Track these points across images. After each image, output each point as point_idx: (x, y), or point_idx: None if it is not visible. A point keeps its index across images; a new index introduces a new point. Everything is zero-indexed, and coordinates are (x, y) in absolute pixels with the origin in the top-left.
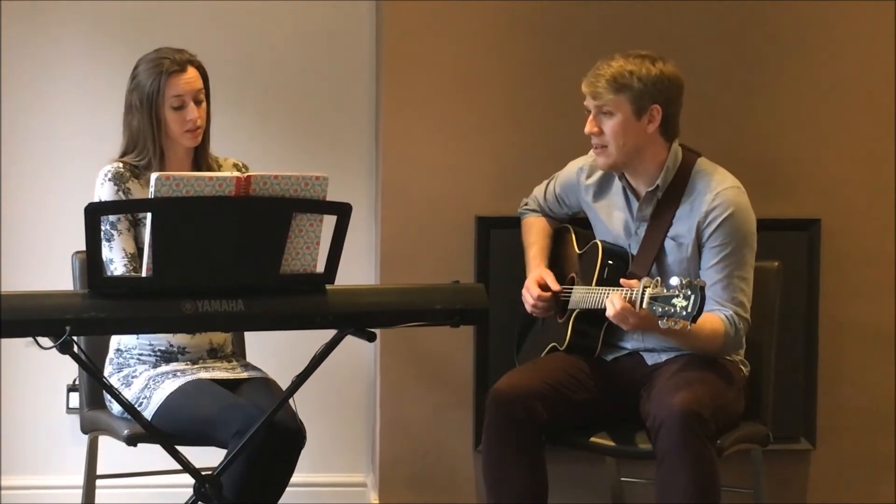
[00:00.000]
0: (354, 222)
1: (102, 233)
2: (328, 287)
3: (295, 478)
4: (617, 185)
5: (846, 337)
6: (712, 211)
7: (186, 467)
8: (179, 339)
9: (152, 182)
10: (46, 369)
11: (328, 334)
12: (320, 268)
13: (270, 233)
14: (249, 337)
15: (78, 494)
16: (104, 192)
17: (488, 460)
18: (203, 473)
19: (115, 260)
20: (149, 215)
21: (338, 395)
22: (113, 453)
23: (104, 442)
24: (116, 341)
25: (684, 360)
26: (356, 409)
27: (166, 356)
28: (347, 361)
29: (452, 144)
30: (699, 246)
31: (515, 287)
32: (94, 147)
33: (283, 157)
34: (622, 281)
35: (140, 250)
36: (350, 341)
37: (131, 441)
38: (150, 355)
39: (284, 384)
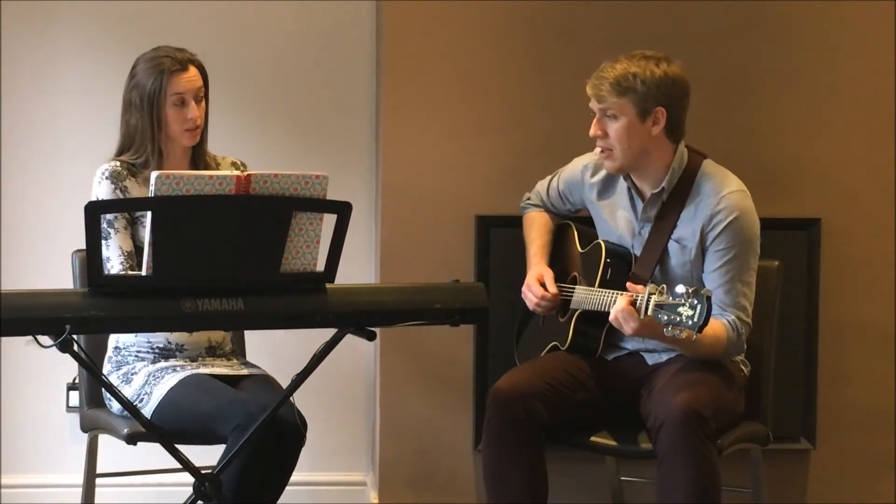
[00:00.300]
0: (354, 221)
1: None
2: (328, 286)
3: (295, 476)
4: (622, 184)
5: (846, 336)
6: (717, 214)
7: (186, 466)
8: (178, 337)
9: (152, 181)
10: (46, 368)
11: (328, 333)
12: (320, 267)
13: (270, 231)
14: (249, 336)
15: (78, 493)
16: (101, 190)
17: (488, 460)
18: (203, 472)
19: (112, 258)
20: (148, 214)
21: (338, 393)
22: (113, 452)
23: (104, 440)
24: (115, 339)
25: (685, 360)
26: (356, 408)
27: (164, 353)
28: (347, 360)
29: (452, 144)
30: (703, 249)
31: (515, 286)
32: (95, 146)
33: (284, 156)
34: (628, 285)
35: (137, 248)
36: (350, 340)
37: (131, 439)
38: (148, 352)
39: (284, 383)
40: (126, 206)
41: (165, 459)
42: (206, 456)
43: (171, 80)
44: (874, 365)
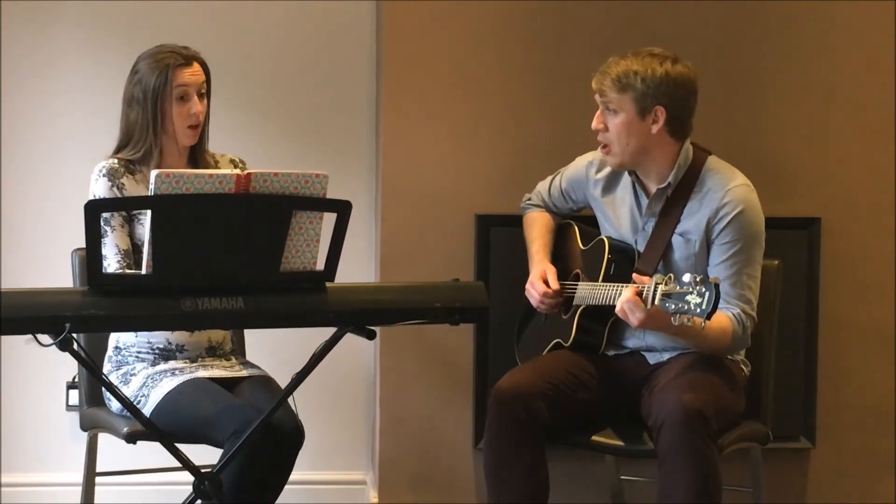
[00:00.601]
0: (354, 220)
1: None
2: (328, 285)
3: (294, 476)
4: (626, 180)
5: (846, 336)
6: (723, 208)
7: (186, 465)
8: (178, 337)
9: (152, 179)
10: (46, 367)
11: (328, 332)
12: (320, 265)
13: (270, 230)
14: (249, 335)
15: (77, 492)
16: (98, 188)
17: (489, 459)
18: (202, 471)
19: (108, 256)
20: (147, 212)
21: (337, 392)
22: (112, 451)
23: (103, 439)
24: (115, 339)
25: (686, 360)
26: (356, 407)
27: (165, 354)
28: (347, 359)
29: (452, 143)
30: (708, 242)
31: (515, 285)
32: (95, 145)
33: (284, 155)
34: (634, 276)
35: (135, 246)
36: (350, 339)
37: (131, 438)
38: (148, 353)
39: (284, 382)
40: (126, 205)
41: (165, 458)
42: (206, 455)
43: (176, 73)
44: (874, 364)
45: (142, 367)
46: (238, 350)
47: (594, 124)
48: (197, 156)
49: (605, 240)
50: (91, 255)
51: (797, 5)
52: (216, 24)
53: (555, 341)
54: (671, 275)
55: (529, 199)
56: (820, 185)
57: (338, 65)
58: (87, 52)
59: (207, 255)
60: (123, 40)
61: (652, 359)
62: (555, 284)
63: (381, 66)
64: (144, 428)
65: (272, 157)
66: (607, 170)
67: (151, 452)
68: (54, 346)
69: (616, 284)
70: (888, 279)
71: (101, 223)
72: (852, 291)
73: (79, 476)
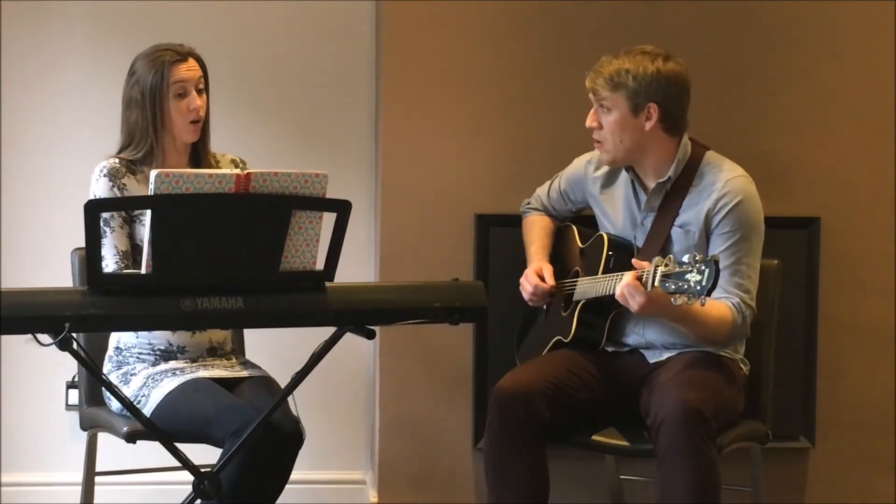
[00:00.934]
0: (354, 220)
1: None
2: (328, 284)
3: (294, 475)
4: (624, 176)
5: (845, 335)
6: (722, 198)
7: (185, 464)
8: (179, 339)
9: (152, 179)
10: (46, 366)
11: (327, 332)
12: (320, 265)
13: (270, 230)
14: (249, 334)
15: (77, 491)
16: (99, 188)
17: (490, 459)
18: (202, 471)
19: (107, 257)
20: (147, 212)
21: (337, 392)
22: (112, 450)
23: (103, 439)
24: (116, 339)
25: (686, 359)
26: (355, 407)
27: (166, 355)
28: (347, 359)
29: (452, 142)
30: (707, 233)
31: (515, 285)
32: (95, 145)
33: (284, 155)
34: (634, 262)
35: (135, 247)
36: (349, 339)
37: (130, 438)
38: (149, 354)
39: (283, 382)
40: (126, 205)
41: (165, 458)
42: (206, 455)
43: (172, 70)
44: (873, 364)
45: (142, 368)
46: (238, 350)
47: (588, 122)
48: (199, 155)
49: (604, 235)
50: (91, 254)
51: (797, 5)
52: (216, 25)
53: (555, 339)
54: (671, 256)
55: (529, 204)
56: (819, 185)
57: (337, 65)
58: (87, 51)
59: (207, 255)
60: (123, 40)
61: (651, 357)
62: (551, 280)
63: (380, 65)
64: (144, 427)
65: (272, 157)
66: (605, 168)
67: (151, 452)
68: (54, 346)
69: (616, 274)
70: (888, 279)
71: (101, 224)
72: (852, 291)
73: (78, 475)
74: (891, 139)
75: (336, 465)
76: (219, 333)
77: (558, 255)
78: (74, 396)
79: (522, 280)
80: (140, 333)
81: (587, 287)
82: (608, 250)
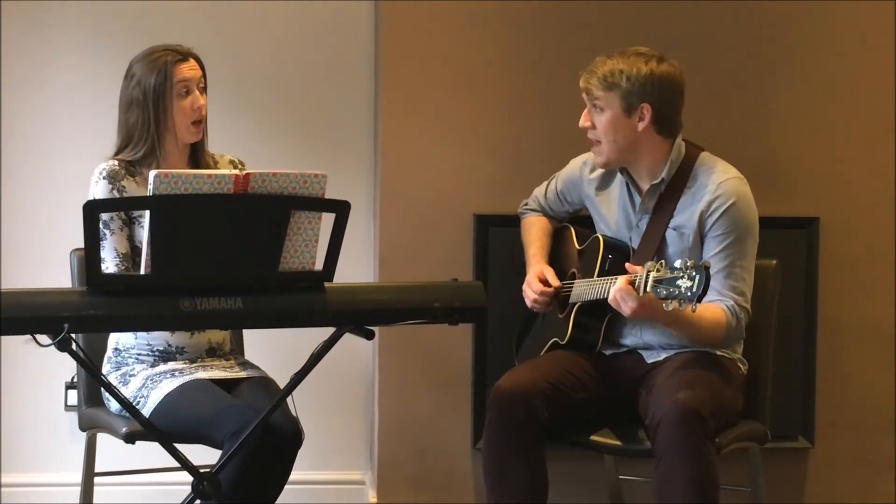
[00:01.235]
0: (353, 220)
1: None
2: (327, 285)
3: (293, 476)
4: (619, 179)
5: (845, 335)
6: (715, 200)
7: (185, 465)
8: (178, 339)
9: (151, 179)
10: (45, 367)
11: (326, 332)
12: (319, 265)
13: (269, 230)
14: (248, 335)
15: (76, 492)
16: (98, 190)
17: (489, 459)
18: (201, 471)
19: (107, 259)
20: (146, 213)
21: (336, 392)
22: (111, 451)
23: (102, 439)
24: (115, 340)
25: (683, 359)
26: (355, 407)
27: (164, 356)
28: (346, 359)
29: (451, 143)
30: (701, 235)
31: (514, 285)
32: (93, 145)
33: (283, 155)
34: (627, 266)
35: (134, 249)
36: (349, 339)
37: (129, 438)
38: (148, 355)
39: (283, 382)
40: (125, 205)
41: (164, 458)
42: (205, 455)
43: (175, 70)
44: (873, 363)
45: (141, 369)
46: (237, 350)
47: (581, 122)
48: (198, 155)
49: (600, 237)
50: (89, 255)
51: (797, 5)
52: (215, 25)
53: (552, 340)
54: (663, 261)
55: (526, 205)
56: (819, 185)
57: (336, 65)
58: (87, 52)
59: (206, 256)
60: (123, 41)
61: (649, 358)
62: (555, 282)
63: (379, 66)
64: (143, 428)
65: (270, 157)
66: (600, 169)
67: (150, 452)
68: (53, 347)
69: (610, 277)
70: (887, 278)
71: (101, 226)
72: (851, 291)
73: (78, 476)
74: (890, 139)
75: (335, 466)
76: (218, 334)
77: (556, 257)
78: (73, 397)
79: (525, 287)
80: (139, 334)
81: (583, 290)
82: (604, 252)
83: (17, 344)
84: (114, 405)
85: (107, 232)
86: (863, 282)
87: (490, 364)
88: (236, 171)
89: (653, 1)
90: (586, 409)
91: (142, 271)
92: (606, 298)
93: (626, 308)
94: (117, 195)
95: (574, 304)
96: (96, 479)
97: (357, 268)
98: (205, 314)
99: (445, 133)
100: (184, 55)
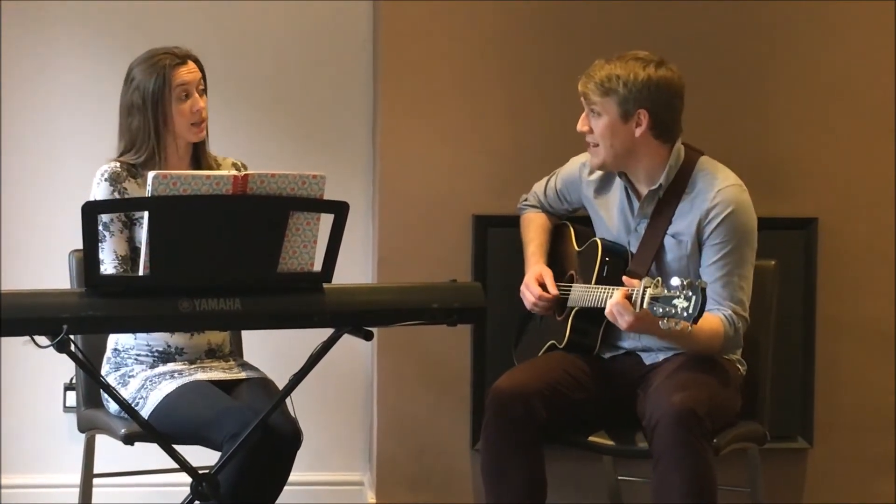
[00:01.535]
0: (351, 221)
1: None
2: (325, 286)
3: (292, 476)
4: (618, 182)
5: (843, 335)
6: (713, 208)
7: (184, 466)
8: (177, 340)
9: (149, 181)
10: (43, 368)
11: (325, 333)
12: (317, 266)
13: (267, 231)
14: (247, 336)
15: (75, 493)
16: (100, 191)
17: (487, 460)
18: (200, 472)
19: (106, 261)
20: (145, 214)
21: (335, 393)
22: (110, 452)
23: (101, 441)
24: (114, 341)
25: (681, 360)
26: (353, 408)
27: (164, 356)
28: (345, 360)
29: (449, 143)
30: (699, 243)
31: (513, 286)
32: (93, 146)
33: (281, 156)
34: (624, 279)
35: (135, 250)
36: (347, 340)
37: (128, 440)
38: (147, 356)
39: (281, 383)
40: (123, 207)
41: (163, 460)
42: (204, 456)
43: (174, 74)
44: (871, 364)
45: (140, 370)
46: (236, 351)
47: (579, 126)
48: (200, 158)
49: (599, 241)
50: (88, 256)
51: (796, 5)
52: (214, 26)
53: (549, 343)
54: (659, 279)
55: (526, 200)
56: (817, 185)
57: (335, 65)
58: (87, 52)
59: (205, 257)
60: (123, 41)
61: (647, 359)
62: (553, 289)
63: (378, 66)
64: (142, 429)
65: (269, 158)
66: (599, 171)
67: (149, 454)
68: (52, 348)
69: (607, 287)
70: (885, 278)
71: (101, 228)
72: (849, 291)
73: (76, 477)
74: (889, 139)
75: (334, 466)
76: (217, 335)
77: (555, 255)
78: (72, 398)
79: (523, 289)
80: (138, 335)
81: (580, 295)
82: (602, 257)
83: (16, 345)
84: (113, 406)
85: (106, 234)
86: (861, 282)
87: (489, 365)
88: (235, 173)
89: (652, 1)
90: (584, 409)
91: (140, 272)
92: (602, 307)
93: (623, 322)
94: (119, 197)
95: (572, 308)
96: (95, 481)
97: (356, 269)
98: (203, 315)
99: (444, 134)
100: (182, 58)
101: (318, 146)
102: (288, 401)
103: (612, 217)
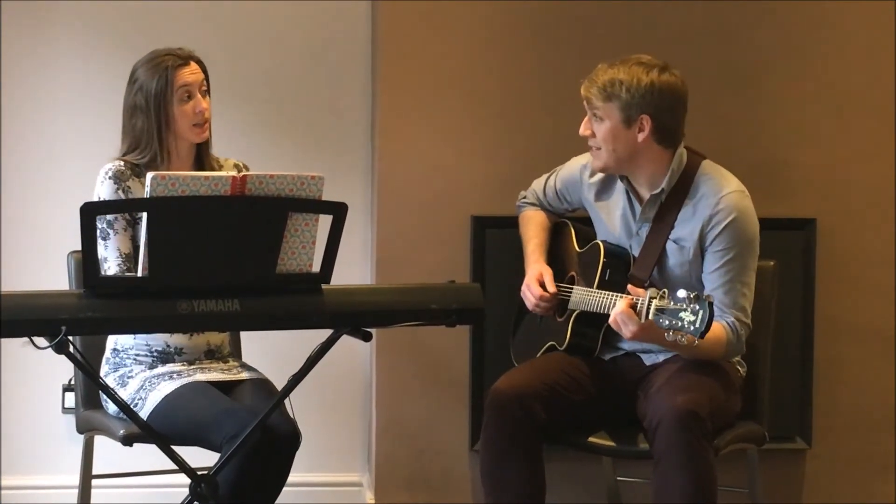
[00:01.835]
0: (350, 222)
1: (98, 231)
2: (324, 287)
3: (291, 477)
4: (619, 185)
5: (842, 336)
6: (716, 215)
7: (182, 467)
8: (176, 340)
9: (148, 182)
10: (42, 369)
11: (324, 334)
12: (316, 267)
13: (266, 232)
14: (245, 337)
15: (74, 494)
16: (104, 190)
17: (486, 460)
18: (199, 473)
19: (109, 259)
20: (144, 215)
21: (334, 394)
22: (109, 453)
23: (100, 442)
24: (113, 341)
25: (682, 361)
26: (352, 409)
27: (163, 357)
28: (343, 361)
29: (448, 144)
30: (702, 249)
31: (511, 287)
32: (92, 146)
33: (280, 157)
34: (630, 288)
35: (138, 249)
36: (346, 341)
37: (127, 441)
38: (146, 356)
39: (280, 384)
40: (121, 207)
41: (161, 461)
42: (203, 457)
43: (176, 75)
44: (870, 364)
45: (139, 370)
46: (234, 352)
47: (581, 130)
48: (202, 159)
49: (601, 244)
50: (87, 257)
51: (796, 5)
52: (212, 26)
53: (549, 343)
54: (665, 290)
55: (525, 198)
56: (815, 186)
57: (333, 66)
58: (87, 52)
59: (203, 258)
60: (123, 41)
61: (648, 360)
62: (552, 287)
63: (376, 67)
64: (141, 430)
65: (268, 159)
66: (600, 174)
67: (148, 455)
68: (51, 349)
69: (611, 293)
70: (884, 279)
71: (105, 226)
72: (848, 292)
73: (75, 478)
74: (888, 140)
75: (333, 467)
76: (217, 336)
77: (555, 254)
78: (71, 399)
79: (524, 289)
80: (137, 335)
81: (582, 298)
82: (604, 260)
83: (15, 346)
84: (111, 407)
85: (110, 231)
86: (860, 282)
87: (487, 365)
88: (233, 174)
89: (651, 1)
90: (584, 410)
91: (139, 273)
92: (605, 313)
93: (627, 331)
94: (122, 195)
95: (573, 311)
96: (94, 482)
97: (354, 269)
98: (202, 316)
99: (443, 134)
100: (185, 59)
101: (317, 147)
102: (287, 401)
103: (614, 220)
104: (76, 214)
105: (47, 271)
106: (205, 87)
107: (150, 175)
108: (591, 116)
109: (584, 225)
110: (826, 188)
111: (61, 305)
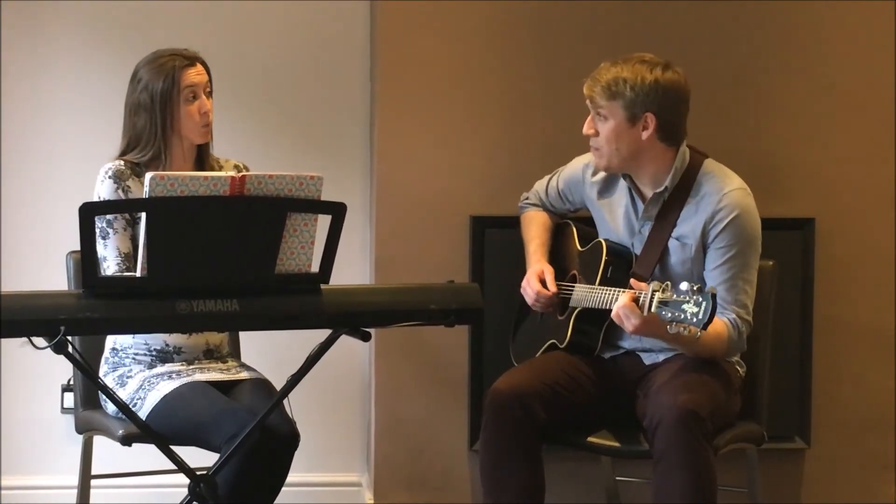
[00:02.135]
0: (349, 222)
1: (98, 230)
2: (323, 287)
3: (290, 477)
4: (622, 184)
5: (841, 336)
6: (719, 212)
7: (181, 467)
8: (176, 340)
9: (146, 182)
10: (41, 369)
11: (323, 334)
12: (315, 267)
13: (265, 232)
14: (244, 337)
15: (73, 494)
16: (103, 189)
17: (486, 460)
18: (198, 473)
19: (109, 258)
20: (143, 215)
21: (333, 394)
22: (108, 453)
23: (99, 442)
24: (112, 340)
25: (682, 361)
26: (351, 409)
27: (162, 356)
28: (342, 361)
29: (447, 144)
30: (704, 247)
31: (511, 287)
32: (92, 147)
33: (279, 157)
34: (632, 282)
35: (137, 249)
36: (345, 341)
37: (126, 441)
38: (145, 355)
39: (279, 384)
40: (120, 208)
41: (160, 461)
42: (202, 457)
43: (182, 75)
44: (869, 364)
45: (138, 370)
46: (233, 352)
47: (585, 129)
48: (203, 159)
49: (603, 242)
50: (86, 257)
51: (794, 5)
52: (211, 26)
53: (550, 342)
54: (668, 283)
55: (527, 199)
56: (814, 186)
57: (332, 66)
58: (87, 52)
59: (202, 258)
60: (123, 41)
61: (647, 359)
62: (552, 286)
63: (375, 67)
64: (140, 430)
65: (267, 158)
66: (603, 173)
67: (147, 455)
68: (49, 349)
69: (613, 289)
70: (882, 279)
71: (105, 225)
72: (847, 291)
73: (74, 478)
74: (887, 140)
75: (332, 467)
76: (216, 336)
77: (557, 254)
78: (69, 399)
79: (524, 284)
80: (136, 335)
81: (583, 296)
82: (606, 257)
83: (14, 346)
84: (111, 407)
85: (110, 231)
86: (858, 282)
87: (487, 365)
88: (232, 174)
89: (651, 2)
90: (583, 410)
91: (137, 273)
92: (607, 308)
93: (629, 325)
94: (122, 194)
95: (574, 308)
96: (93, 482)
97: (353, 270)
98: (201, 316)
99: (442, 134)
100: (191, 60)
101: (316, 147)
102: (286, 402)
103: (616, 219)
104: (76, 214)
105: (47, 271)
106: (209, 89)
107: (148, 175)
108: (594, 115)
109: (587, 225)
110: (825, 188)
111: (60, 305)
